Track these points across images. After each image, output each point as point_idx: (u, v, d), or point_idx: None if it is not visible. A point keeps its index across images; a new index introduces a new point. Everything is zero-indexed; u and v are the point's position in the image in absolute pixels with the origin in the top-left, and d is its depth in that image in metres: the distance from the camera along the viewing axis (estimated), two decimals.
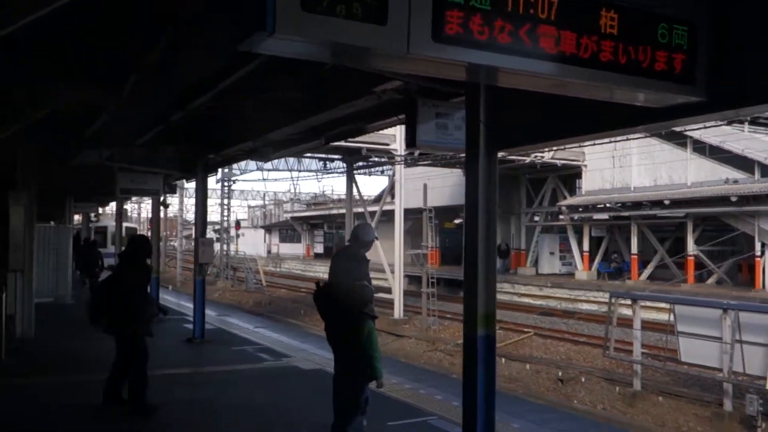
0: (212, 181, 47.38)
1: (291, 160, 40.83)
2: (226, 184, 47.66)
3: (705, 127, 19.60)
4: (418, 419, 7.02)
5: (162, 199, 21.68)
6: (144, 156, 13.89)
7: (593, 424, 7.21)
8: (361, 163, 29.32)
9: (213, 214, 65.72)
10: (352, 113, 8.54)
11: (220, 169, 47.80)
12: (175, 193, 18.87)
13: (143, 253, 7.64)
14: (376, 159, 27.59)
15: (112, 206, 49.77)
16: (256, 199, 74.07)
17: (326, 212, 54.67)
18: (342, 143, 23.91)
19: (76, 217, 35.95)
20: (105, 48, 6.85)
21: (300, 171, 42.24)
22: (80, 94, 7.94)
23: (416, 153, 24.42)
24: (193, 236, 12.47)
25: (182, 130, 11.08)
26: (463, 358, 5.25)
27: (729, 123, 19.22)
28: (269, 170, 42.78)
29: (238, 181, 59.70)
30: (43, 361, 10.39)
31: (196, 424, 7.05)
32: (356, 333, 6.01)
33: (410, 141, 6.39)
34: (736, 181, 24.34)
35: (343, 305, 6.08)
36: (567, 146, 25.57)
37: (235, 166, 46.51)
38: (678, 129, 20.86)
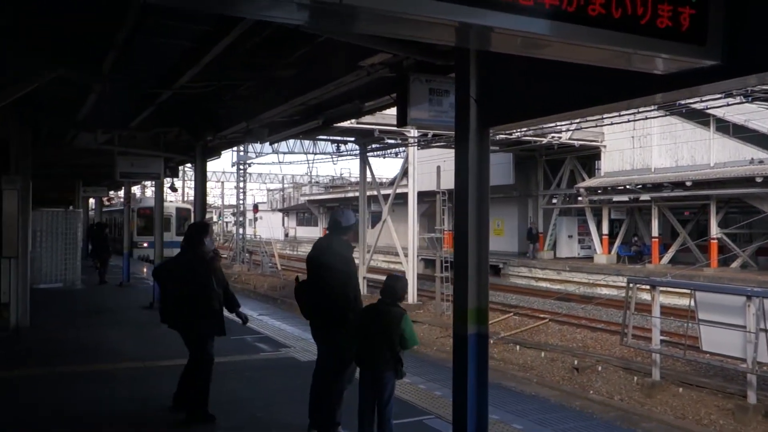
0: (228, 165, 47.24)
1: (306, 142, 40.43)
2: (241, 167, 47.47)
3: (728, 105, 18.77)
4: (413, 419, 6.57)
5: (171, 183, 21.41)
6: (144, 139, 13.58)
7: (603, 426, 6.71)
8: (374, 146, 28.79)
9: (230, 198, 65.87)
10: (346, 92, 8.10)
11: (234, 152, 47.72)
12: (177, 176, 18.50)
13: (198, 239, 6.56)
14: (390, 141, 27.05)
15: (146, 188, 50.06)
16: (274, 182, 74.04)
17: (342, 195, 54.29)
18: (355, 125, 23.51)
19: (91, 201, 35.92)
20: (77, 25, 6.47)
21: (315, 154, 42.00)
22: (59, 71, 7.53)
23: (430, 134, 23.88)
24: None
25: (176, 111, 10.73)
26: (453, 358, 4.76)
27: (753, 100, 18.39)
28: (284, 153, 42.52)
29: (255, 164, 59.63)
30: (33, 351, 10.06)
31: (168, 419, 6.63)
32: (341, 328, 5.64)
33: (401, 119, 5.90)
34: (761, 162, 23.45)
35: (327, 305, 5.69)
36: (584, 126, 24.85)
37: (250, 149, 46.37)
38: (700, 107, 20.02)
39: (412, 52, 5.50)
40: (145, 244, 30.43)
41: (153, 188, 23.52)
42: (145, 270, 23.41)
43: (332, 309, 5.71)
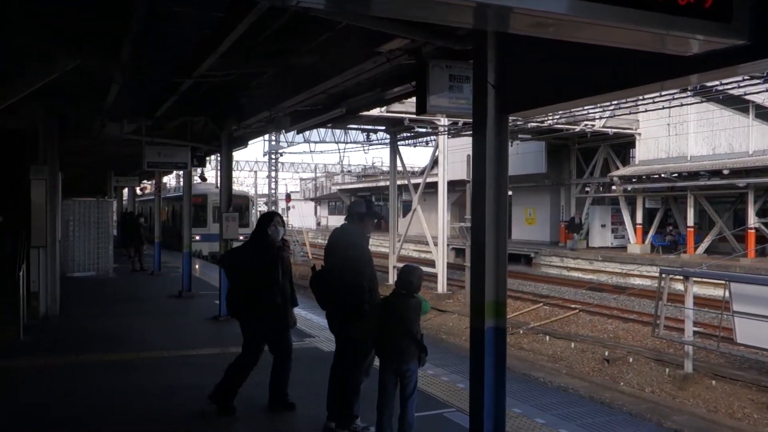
0: (260, 154, 47.49)
1: (337, 132, 40.40)
2: (273, 156, 47.67)
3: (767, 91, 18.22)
4: (434, 412, 6.46)
5: (201, 172, 21.52)
6: (170, 130, 13.63)
7: (629, 420, 6.52)
8: (404, 134, 28.63)
9: (263, 187, 66.25)
10: (368, 80, 7.98)
11: (265, 142, 47.92)
12: (204, 166, 18.56)
13: (262, 229, 6.40)
14: (420, 130, 26.86)
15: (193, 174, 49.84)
16: (306, 172, 74.28)
17: (373, 184, 54.22)
18: (384, 113, 23.42)
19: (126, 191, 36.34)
20: (92, 13, 6.44)
21: (346, 143, 41.98)
22: (78, 61, 7.51)
23: (460, 123, 23.63)
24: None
25: (201, 101, 10.72)
26: (469, 353, 4.62)
27: None
28: (316, 142, 42.57)
29: (287, 153, 59.81)
30: (61, 339, 10.15)
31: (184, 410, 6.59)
32: (356, 320, 5.54)
33: (420, 106, 5.76)
34: None
35: (341, 296, 5.60)
36: (618, 114, 24.37)
37: (282, 138, 46.54)
38: (738, 93, 19.44)
39: (430, 36, 5.34)
40: (197, 237, 26.77)
41: (200, 175, 23.09)
42: (197, 267, 20.58)
43: (346, 299, 5.61)
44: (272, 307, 6.25)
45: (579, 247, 30.49)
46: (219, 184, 12.76)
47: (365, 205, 5.83)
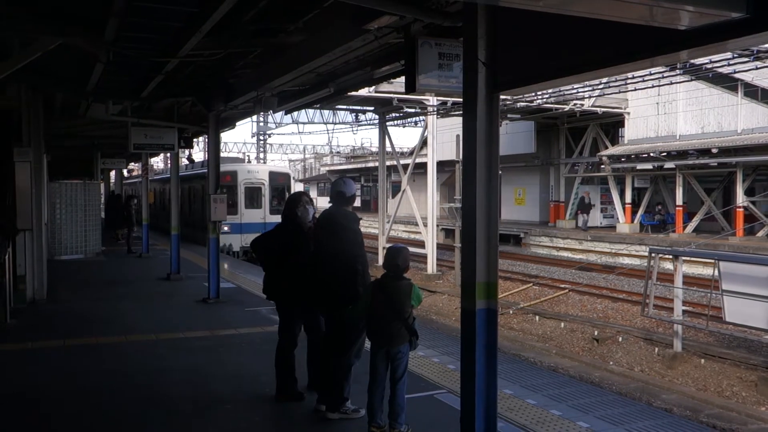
0: (248, 135, 47.28)
1: (326, 112, 40.27)
2: (261, 137, 47.45)
3: (756, 69, 18.19)
4: (425, 393, 6.43)
5: (188, 154, 21.30)
6: (157, 111, 13.48)
7: (620, 400, 6.52)
8: (393, 115, 28.48)
9: None
10: (357, 59, 7.87)
11: (254, 123, 47.64)
12: (191, 147, 18.34)
13: (290, 210, 6.28)
14: (409, 110, 26.71)
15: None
16: (295, 153, 73.99)
17: (362, 165, 54.08)
18: (373, 94, 23.26)
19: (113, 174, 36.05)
20: None
21: (335, 124, 41.78)
22: (62, 39, 7.36)
23: (449, 102, 23.52)
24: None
25: (188, 82, 10.57)
26: (461, 334, 4.57)
27: None
28: (304, 123, 42.41)
29: (276, 134, 59.52)
30: (48, 323, 10.06)
31: (173, 393, 6.54)
32: (350, 304, 5.49)
33: (410, 85, 5.66)
34: None
35: (337, 280, 5.54)
36: (607, 93, 24.29)
37: (270, 119, 46.28)
38: (727, 71, 19.42)
39: (419, 13, 5.24)
40: (225, 228, 21.09)
41: (187, 156, 21.00)
42: (226, 266, 17.24)
43: (343, 283, 5.55)
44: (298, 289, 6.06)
45: (566, 226, 30.55)
46: (207, 165, 12.52)
47: (343, 185, 5.74)
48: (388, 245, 25.39)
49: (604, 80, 21.73)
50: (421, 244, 24.87)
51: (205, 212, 22.68)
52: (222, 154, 15.09)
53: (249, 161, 32.15)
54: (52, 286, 12.34)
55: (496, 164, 4.43)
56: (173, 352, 8.28)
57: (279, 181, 23.59)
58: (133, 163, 35.38)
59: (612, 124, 30.77)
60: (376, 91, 22.79)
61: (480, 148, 4.37)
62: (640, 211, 28.87)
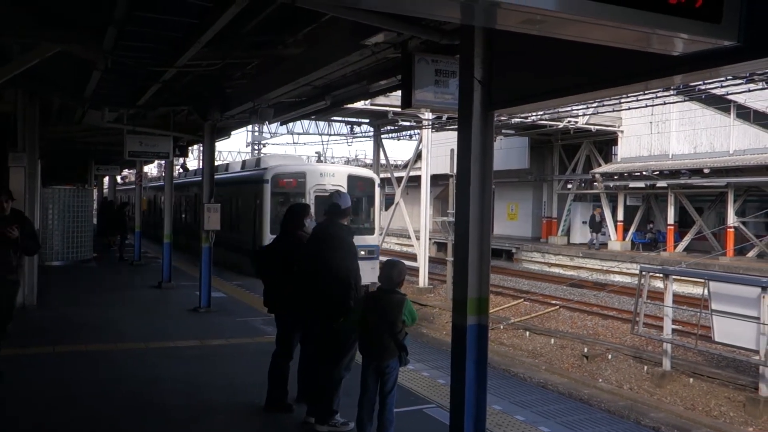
0: (243, 144, 47.16)
1: (321, 124, 40.31)
2: (256, 147, 47.44)
3: (749, 91, 18.34)
4: (414, 408, 6.45)
5: (183, 162, 21.37)
6: (153, 119, 13.51)
7: (607, 418, 6.55)
8: (388, 128, 28.58)
9: None
10: (353, 73, 7.93)
11: (249, 132, 47.65)
12: (186, 155, 18.35)
13: (295, 222, 6.30)
14: (404, 123, 26.80)
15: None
16: None
17: None
18: (368, 106, 23.33)
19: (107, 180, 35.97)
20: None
21: (330, 135, 41.84)
22: (61, 46, 7.41)
23: (444, 117, 23.61)
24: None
25: (184, 91, 10.61)
26: (451, 350, 4.60)
27: None
28: (299, 134, 42.45)
29: (270, 144, 59.54)
30: (38, 329, 10.02)
31: (162, 402, 6.54)
32: (342, 316, 5.51)
33: (406, 100, 5.72)
34: None
35: (332, 293, 5.57)
36: (601, 111, 24.44)
37: (265, 129, 46.28)
38: (720, 92, 19.58)
39: (416, 30, 5.30)
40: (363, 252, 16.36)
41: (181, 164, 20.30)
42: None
43: (337, 296, 5.58)
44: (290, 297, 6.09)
45: (558, 242, 30.60)
46: (202, 174, 12.51)
47: (338, 197, 5.78)
48: (381, 258, 25.52)
49: (599, 99, 21.87)
50: (413, 257, 24.88)
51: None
52: (216, 162, 15.08)
53: (319, 159, 26.57)
54: (42, 292, 12.29)
55: (489, 181, 4.47)
56: (164, 361, 8.27)
57: (359, 188, 18.28)
58: (127, 170, 35.32)
59: (605, 142, 30.93)
60: (371, 104, 22.85)
61: (474, 165, 4.42)
62: (632, 229, 28.97)
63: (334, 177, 17.85)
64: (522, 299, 20.69)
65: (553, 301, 20.22)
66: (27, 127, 11.44)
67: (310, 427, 5.77)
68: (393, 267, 5.32)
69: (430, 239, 25.38)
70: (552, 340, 15.93)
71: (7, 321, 7.22)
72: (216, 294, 12.89)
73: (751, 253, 24.15)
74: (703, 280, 12.50)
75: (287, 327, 6.30)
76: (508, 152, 32.62)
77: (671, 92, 20.81)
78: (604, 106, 21.66)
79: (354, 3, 3.63)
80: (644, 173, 26.10)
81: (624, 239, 28.69)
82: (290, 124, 36.86)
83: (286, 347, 6.31)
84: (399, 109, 22.97)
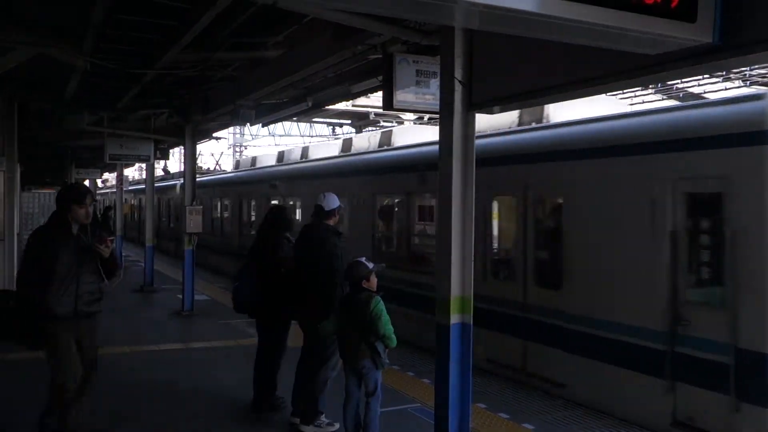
0: (225, 147, 46.93)
1: (302, 125, 40.12)
2: (237, 149, 47.29)
3: (726, 90, 18.51)
4: (399, 407, 6.46)
5: (164, 165, 21.25)
6: (133, 122, 13.42)
7: (590, 415, 6.58)
8: (370, 128, 28.55)
9: None
10: (335, 74, 7.95)
11: (231, 135, 47.47)
12: (167, 158, 18.29)
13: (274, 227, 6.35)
14: (386, 124, 26.79)
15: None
16: None
17: None
18: (350, 107, 23.23)
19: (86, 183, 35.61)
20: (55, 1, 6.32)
21: (311, 137, 41.74)
22: (40, 49, 7.35)
23: (426, 117, 23.60)
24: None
25: (165, 93, 10.59)
26: (436, 348, 4.63)
27: (751, 84, 18.12)
28: (281, 136, 42.29)
29: (251, 146, 59.31)
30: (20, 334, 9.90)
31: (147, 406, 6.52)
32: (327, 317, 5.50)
33: (387, 102, 5.75)
34: None
35: (318, 294, 5.61)
36: None
37: (246, 131, 46.11)
38: (697, 92, 19.72)
39: (397, 31, 5.33)
40: None
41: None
42: None
43: (320, 297, 5.59)
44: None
45: None
46: (184, 177, 12.47)
47: (323, 199, 5.78)
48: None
49: (579, 99, 21.99)
50: None
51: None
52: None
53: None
54: None
55: (471, 180, 4.50)
56: (148, 365, 8.22)
57: None
58: (107, 173, 35.01)
59: None
60: (353, 105, 22.79)
61: (456, 164, 4.45)
62: None
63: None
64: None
65: None
66: (6, 130, 11.31)
67: (296, 428, 5.77)
68: (355, 267, 5.25)
69: None
70: None
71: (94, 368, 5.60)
72: (199, 297, 12.82)
73: None
74: None
75: (283, 328, 6.32)
76: None
77: (649, 91, 20.98)
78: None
79: (334, 4, 3.65)
80: None
81: None
82: (271, 126, 36.74)
83: (280, 350, 6.34)
84: (380, 110, 22.97)
